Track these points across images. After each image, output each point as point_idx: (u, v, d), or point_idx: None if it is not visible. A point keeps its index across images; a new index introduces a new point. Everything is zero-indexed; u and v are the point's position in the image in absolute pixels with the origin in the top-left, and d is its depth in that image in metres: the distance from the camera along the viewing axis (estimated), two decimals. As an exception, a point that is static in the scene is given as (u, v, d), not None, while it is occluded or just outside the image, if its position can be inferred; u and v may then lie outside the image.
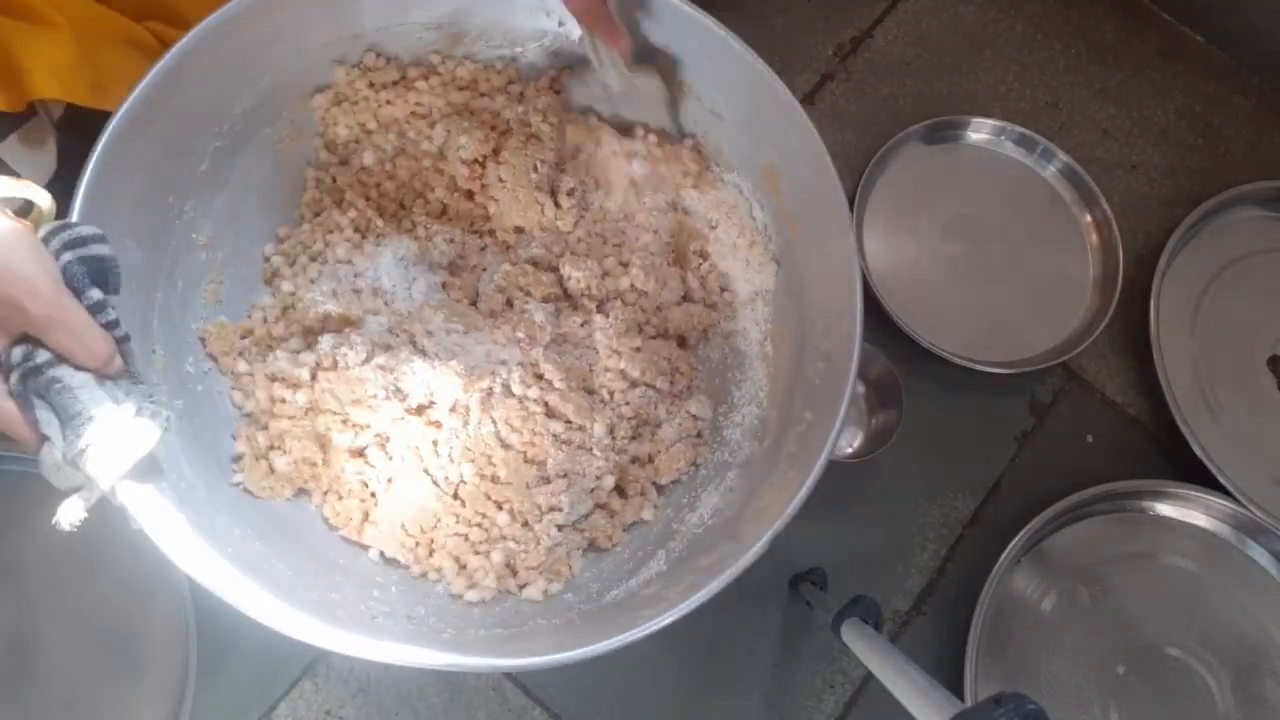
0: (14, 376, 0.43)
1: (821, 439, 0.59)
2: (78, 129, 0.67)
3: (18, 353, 0.43)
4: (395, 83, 0.73)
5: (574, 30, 0.72)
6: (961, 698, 0.54)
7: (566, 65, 0.75)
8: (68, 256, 0.44)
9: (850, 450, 0.85)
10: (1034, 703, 0.44)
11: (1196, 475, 0.85)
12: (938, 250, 0.94)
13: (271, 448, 0.64)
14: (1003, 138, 0.99)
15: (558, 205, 0.74)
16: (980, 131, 0.99)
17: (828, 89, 1.01)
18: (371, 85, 0.72)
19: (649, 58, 0.69)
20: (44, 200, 0.48)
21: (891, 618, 0.83)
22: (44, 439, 0.43)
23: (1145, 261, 0.95)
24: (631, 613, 0.57)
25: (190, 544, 0.52)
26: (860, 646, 0.63)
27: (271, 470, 0.63)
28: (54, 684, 0.70)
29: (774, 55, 0.66)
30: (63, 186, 0.68)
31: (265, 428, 0.64)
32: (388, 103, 0.73)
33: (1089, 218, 0.97)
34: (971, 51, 1.04)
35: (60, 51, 0.65)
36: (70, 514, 0.43)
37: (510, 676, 0.77)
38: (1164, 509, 0.86)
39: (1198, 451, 0.85)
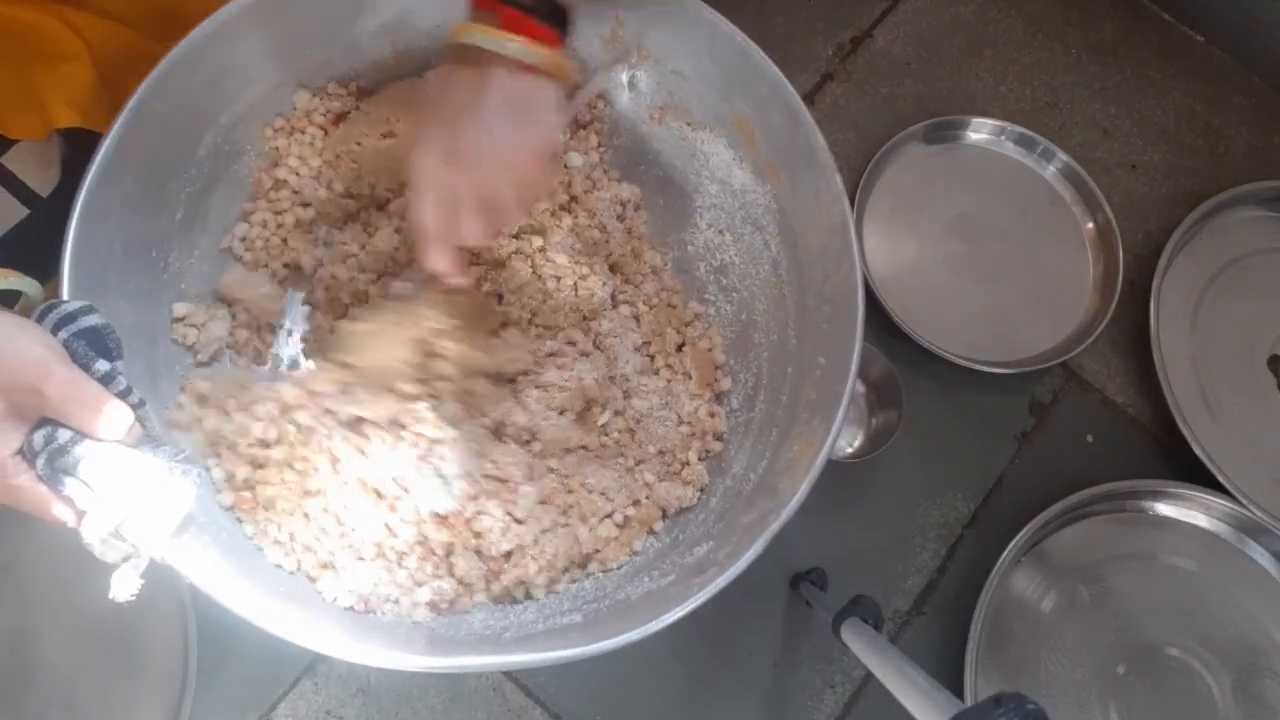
0: (40, 460, 0.42)
1: (839, 382, 0.60)
2: (81, 138, 0.67)
3: (39, 437, 0.42)
4: (343, 115, 0.72)
5: None
6: (961, 698, 0.54)
7: None
8: (63, 335, 0.44)
9: (850, 450, 0.85)
10: (1034, 703, 0.44)
11: (1196, 475, 0.85)
12: (938, 250, 0.94)
13: (265, 509, 0.61)
14: (1003, 138, 0.99)
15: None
16: (980, 131, 0.99)
17: (828, 89, 1.01)
18: (331, 120, 0.71)
19: None
20: (31, 289, 0.48)
21: (891, 618, 0.83)
22: (82, 514, 0.43)
23: (1145, 261, 0.95)
24: (684, 582, 0.57)
25: (243, 590, 0.52)
26: (860, 646, 0.63)
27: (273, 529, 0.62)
28: (53, 682, 0.70)
29: (774, 55, 0.66)
30: (65, 194, 0.68)
31: (251, 489, 0.62)
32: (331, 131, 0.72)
33: (1089, 218, 0.97)
34: (971, 51, 1.04)
35: (81, 82, 0.65)
36: (125, 586, 0.43)
37: (510, 676, 0.77)
38: (1164, 509, 0.86)
39: (1198, 451, 0.85)
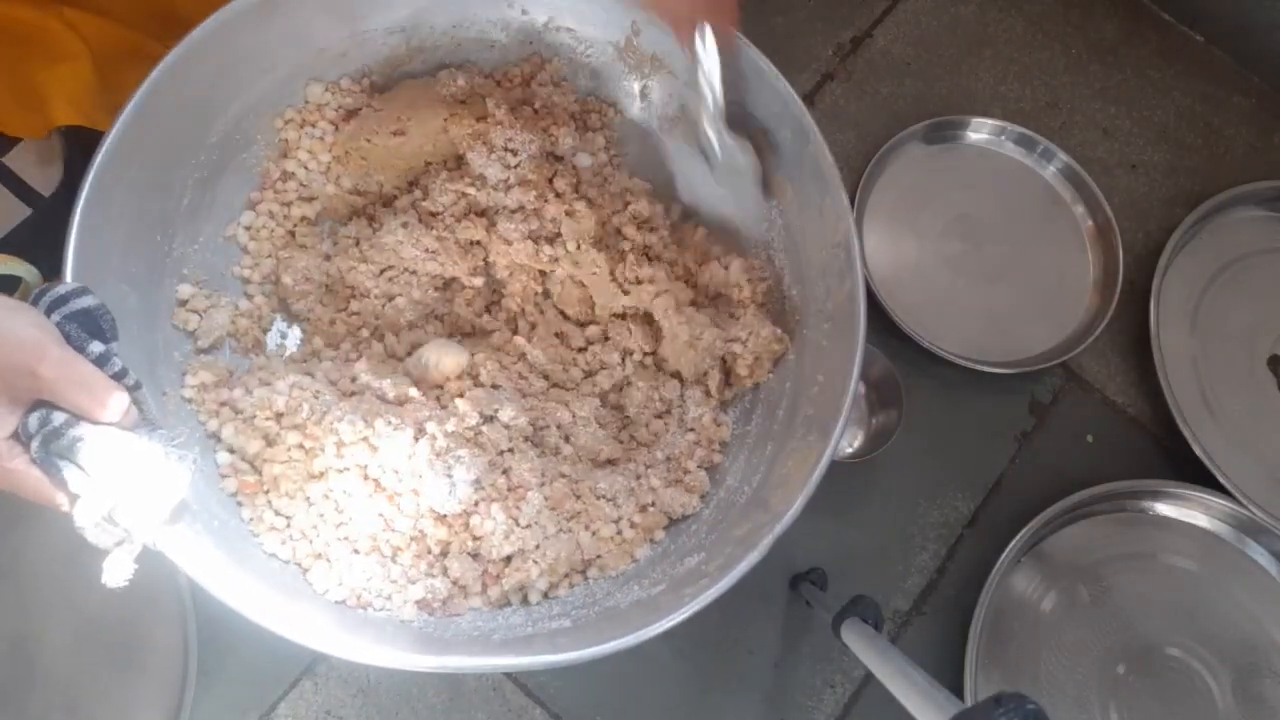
0: (35, 443, 0.42)
1: (837, 400, 0.60)
2: (83, 137, 0.67)
3: (34, 419, 0.42)
4: (354, 112, 0.72)
5: (538, 16, 0.72)
6: (961, 698, 0.54)
7: (537, 53, 0.75)
8: (55, 317, 0.44)
9: (850, 450, 0.85)
10: (1034, 703, 0.44)
11: (1196, 475, 0.85)
12: (938, 250, 0.94)
13: (267, 491, 0.61)
14: (1003, 138, 0.99)
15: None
16: (980, 131, 0.99)
17: (828, 89, 1.01)
18: (342, 115, 0.71)
19: (744, 125, 0.67)
20: (30, 274, 0.48)
21: (891, 618, 0.83)
22: (76, 498, 0.43)
23: (1145, 261, 0.95)
24: (674, 592, 0.57)
25: (235, 580, 0.52)
26: (860, 646, 0.63)
27: (275, 514, 0.62)
28: (54, 684, 0.70)
29: (774, 55, 0.66)
30: (67, 193, 0.68)
31: (259, 472, 0.62)
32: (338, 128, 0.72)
33: (1089, 218, 0.97)
34: (971, 51, 1.04)
35: (80, 80, 0.65)
36: (118, 572, 0.43)
37: (510, 676, 0.77)
38: (1164, 509, 0.86)
39: (1198, 451, 0.85)
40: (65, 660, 0.71)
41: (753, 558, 0.55)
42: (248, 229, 0.69)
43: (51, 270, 0.54)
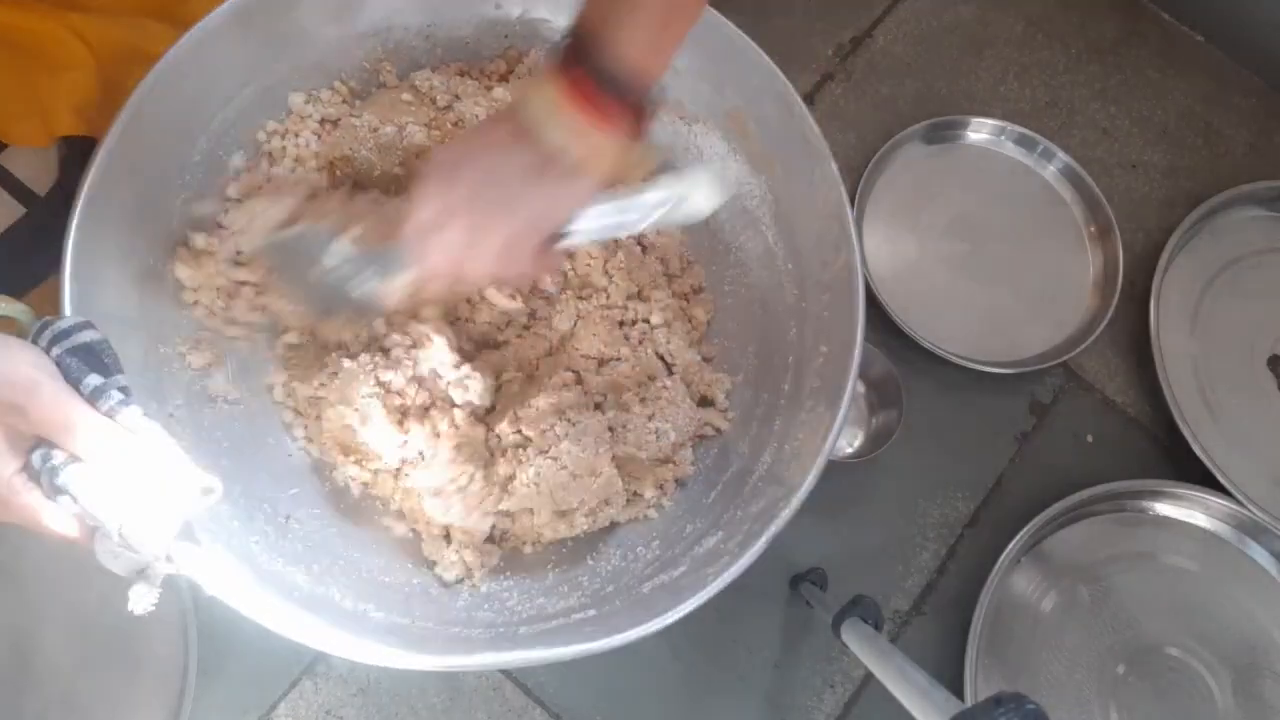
0: (44, 480, 0.42)
1: (842, 368, 0.60)
2: (79, 138, 0.67)
3: (37, 457, 0.42)
4: (335, 122, 0.71)
5: (512, 10, 0.72)
6: (961, 698, 0.54)
7: (513, 46, 0.75)
8: (56, 351, 0.44)
9: (850, 450, 0.85)
10: (1034, 703, 0.44)
11: (1196, 475, 0.85)
12: (938, 250, 0.94)
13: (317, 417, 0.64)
14: (1003, 138, 0.99)
15: None
16: (980, 131, 0.99)
17: (828, 89, 1.01)
18: (323, 123, 0.71)
19: None
20: (21, 314, 0.48)
21: (891, 618, 0.83)
22: (92, 530, 0.43)
23: (1145, 261, 0.95)
24: (695, 573, 0.58)
25: (257, 595, 0.52)
26: (860, 646, 0.63)
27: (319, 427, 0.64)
28: (53, 684, 0.70)
29: (774, 55, 0.66)
30: (62, 193, 0.68)
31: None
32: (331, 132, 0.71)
33: (1089, 218, 0.97)
34: (971, 51, 1.04)
35: (85, 90, 0.65)
36: (142, 599, 0.43)
37: (510, 676, 0.77)
38: (1164, 509, 0.86)
39: (1198, 451, 0.85)
40: (64, 658, 0.71)
41: (773, 530, 0.56)
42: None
43: (49, 269, 0.54)
